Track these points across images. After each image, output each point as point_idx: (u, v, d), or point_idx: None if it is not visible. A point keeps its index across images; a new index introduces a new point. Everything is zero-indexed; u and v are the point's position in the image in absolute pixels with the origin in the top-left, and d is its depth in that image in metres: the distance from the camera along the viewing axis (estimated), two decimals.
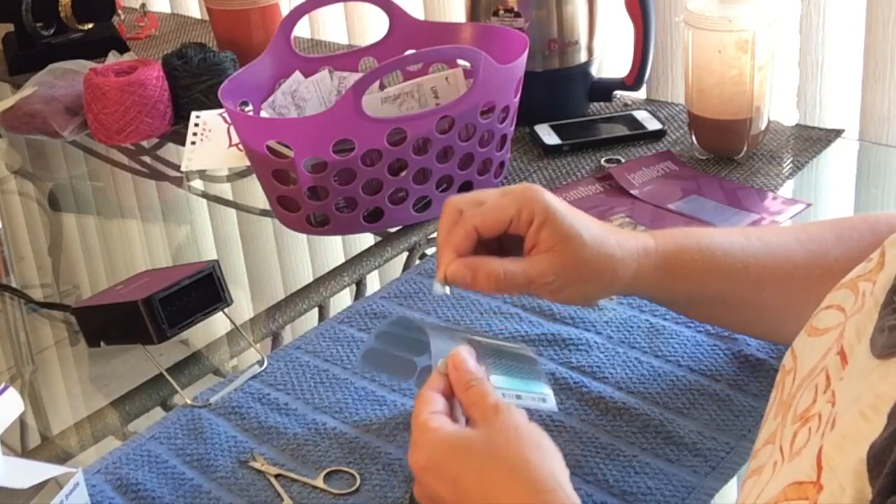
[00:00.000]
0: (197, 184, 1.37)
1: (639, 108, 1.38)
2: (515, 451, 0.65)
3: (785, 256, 0.80)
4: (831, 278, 0.79)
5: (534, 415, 0.83)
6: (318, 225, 1.14)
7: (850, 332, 0.53)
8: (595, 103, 1.41)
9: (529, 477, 0.64)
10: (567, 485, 0.64)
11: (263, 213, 1.26)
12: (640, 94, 1.41)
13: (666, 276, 0.80)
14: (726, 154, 1.23)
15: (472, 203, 0.78)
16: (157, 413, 0.92)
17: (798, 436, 0.51)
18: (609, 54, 1.43)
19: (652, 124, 1.32)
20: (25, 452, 0.90)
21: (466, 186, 1.16)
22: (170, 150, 1.45)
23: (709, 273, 0.80)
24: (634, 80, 1.35)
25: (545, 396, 0.76)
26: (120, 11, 1.83)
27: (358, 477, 0.80)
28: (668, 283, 0.80)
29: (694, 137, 1.25)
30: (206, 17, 1.77)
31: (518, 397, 0.74)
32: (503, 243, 0.79)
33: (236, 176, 1.37)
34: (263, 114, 1.21)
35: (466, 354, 0.72)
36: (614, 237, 0.79)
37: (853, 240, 0.80)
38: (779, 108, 1.30)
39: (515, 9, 1.31)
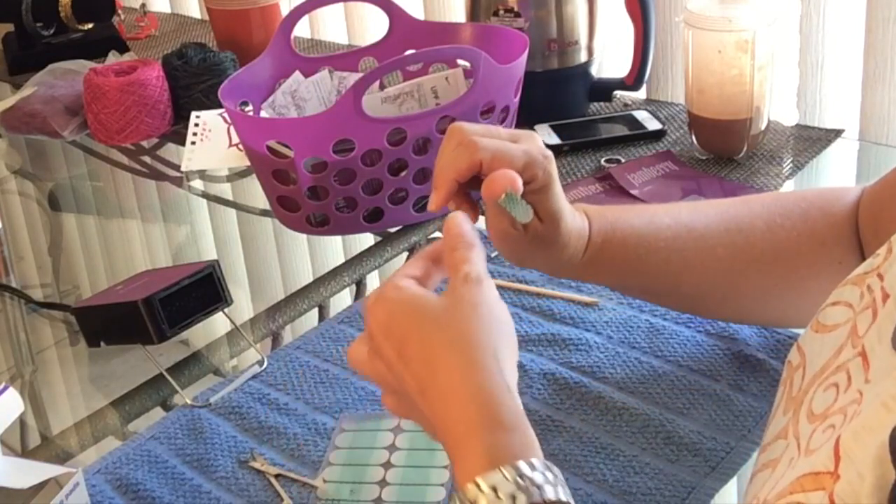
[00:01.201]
0: (197, 184, 1.37)
1: (639, 108, 1.38)
2: (464, 325, 0.62)
3: (709, 250, 0.82)
4: (756, 269, 0.82)
5: (532, 414, 0.83)
6: (318, 225, 1.14)
7: (872, 334, 0.53)
8: (595, 103, 1.41)
9: (468, 352, 0.61)
10: (508, 371, 0.61)
11: (263, 213, 1.26)
12: (640, 94, 1.41)
13: (588, 270, 0.82)
14: (726, 154, 1.23)
15: (485, 138, 0.74)
16: (157, 413, 0.92)
17: (816, 433, 0.51)
18: (609, 54, 1.43)
19: (652, 124, 1.32)
20: (25, 452, 0.90)
21: None
22: (170, 150, 1.45)
23: (628, 270, 0.83)
24: (634, 80, 1.35)
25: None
26: (120, 11, 1.83)
27: None
28: (589, 275, 0.84)
29: (694, 137, 1.25)
30: (206, 17, 1.77)
31: None
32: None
33: (236, 176, 1.37)
34: (263, 114, 1.21)
35: (463, 219, 0.69)
36: (574, 230, 0.80)
37: (784, 228, 0.82)
38: (779, 108, 1.30)
39: (515, 9, 1.31)
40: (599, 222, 0.82)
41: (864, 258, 0.78)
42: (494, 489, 0.55)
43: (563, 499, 0.56)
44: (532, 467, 0.56)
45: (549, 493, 0.55)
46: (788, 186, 1.18)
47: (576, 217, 0.80)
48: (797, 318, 0.84)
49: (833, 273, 0.78)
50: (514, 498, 0.55)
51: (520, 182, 0.71)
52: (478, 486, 0.55)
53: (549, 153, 0.76)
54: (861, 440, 0.45)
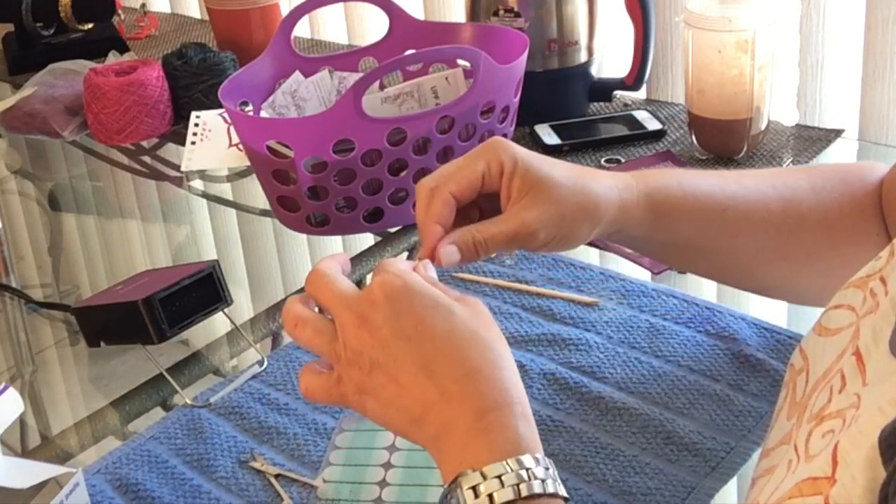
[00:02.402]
0: (197, 184, 1.37)
1: (639, 108, 1.38)
2: (487, 327, 0.64)
3: (762, 202, 0.80)
4: (803, 228, 0.80)
5: (532, 414, 0.83)
6: (318, 225, 1.14)
7: (866, 333, 0.53)
8: (595, 103, 1.41)
9: (496, 348, 0.63)
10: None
11: (263, 213, 1.26)
12: (640, 94, 1.41)
13: (648, 214, 0.78)
14: (726, 154, 1.23)
15: (441, 176, 0.76)
16: (157, 413, 0.92)
17: (813, 435, 0.51)
18: (609, 54, 1.43)
19: (652, 124, 1.32)
20: (25, 452, 0.90)
21: None
22: (170, 150, 1.45)
23: (689, 213, 0.79)
24: (634, 80, 1.35)
25: None
26: (120, 11, 1.83)
27: None
28: (650, 220, 0.78)
29: (694, 137, 1.25)
30: (206, 17, 1.77)
31: None
32: (483, 208, 0.78)
33: (236, 176, 1.37)
34: (263, 114, 1.21)
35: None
36: (591, 175, 0.78)
37: (825, 190, 0.81)
38: (779, 108, 1.30)
39: (515, 9, 1.31)
40: (640, 173, 0.79)
41: (889, 238, 0.78)
42: (528, 470, 0.58)
43: (562, 493, 0.59)
44: (540, 461, 0.59)
45: (550, 487, 0.58)
46: None
47: (596, 172, 0.78)
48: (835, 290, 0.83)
49: (872, 245, 0.76)
50: (532, 485, 0.58)
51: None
52: (508, 465, 0.58)
53: (500, 142, 0.76)
54: (857, 444, 0.45)
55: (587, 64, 1.36)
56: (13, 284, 1.19)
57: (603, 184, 0.77)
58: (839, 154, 1.25)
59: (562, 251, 0.82)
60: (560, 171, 0.76)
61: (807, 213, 0.80)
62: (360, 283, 1.09)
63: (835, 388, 0.53)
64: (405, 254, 1.13)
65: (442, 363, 0.62)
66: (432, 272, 0.70)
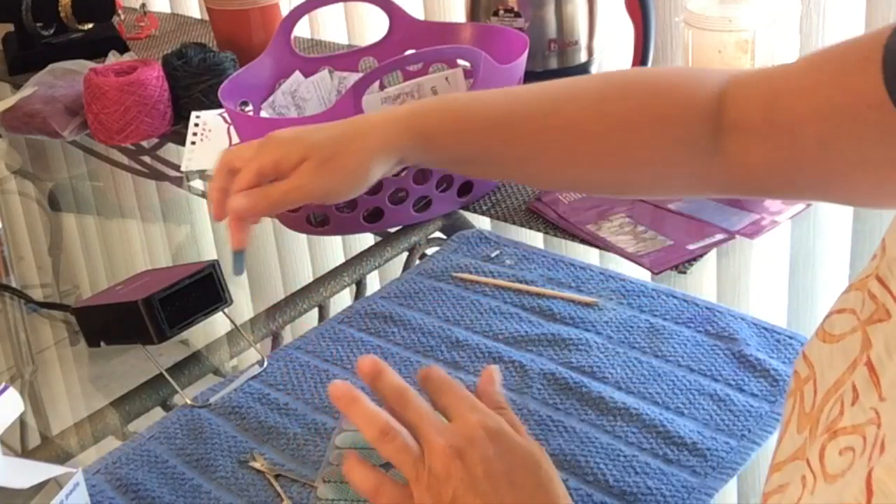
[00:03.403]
0: (197, 184, 1.37)
1: None
2: (552, 468, 0.68)
3: (541, 112, 0.82)
4: (575, 134, 0.81)
5: (532, 414, 0.83)
6: (318, 225, 1.14)
7: (879, 343, 0.52)
8: None
9: (560, 485, 0.67)
10: None
11: None
12: None
13: (420, 140, 0.83)
14: None
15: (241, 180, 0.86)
16: (157, 413, 0.92)
17: (827, 450, 0.50)
18: (609, 54, 1.43)
19: None
20: (25, 452, 0.91)
21: (466, 186, 1.16)
22: (170, 150, 1.45)
23: (464, 133, 0.83)
24: None
25: None
26: (120, 11, 1.83)
27: None
28: (422, 145, 0.83)
29: None
30: (206, 17, 1.77)
31: None
32: None
33: None
34: (263, 114, 1.21)
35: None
36: (355, 128, 0.84)
37: (614, 99, 0.81)
38: None
39: (515, 9, 1.31)
40: (418, 103, 0.86)
41: (718, 139, 0.76)
42: None
43: None
44: None
45: None
46: None
47: (359, 117, 0.86)
48: (632, 187, 0.85)
49: (670, 151, 0.77)
50: None
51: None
52: None
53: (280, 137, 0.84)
54: (895, 475, 0.44)
55: (587, 64, 1.36)
56: (13, 284, 1.19)
57: (360, 127, 0.84)
58: None
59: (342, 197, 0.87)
60: (322, 135, 0.84)
61: (587, 118, 0.81)
62: (359, 283, 1.09)
63: (846, 400, 0.52)
64: (405, 254, 1.13)
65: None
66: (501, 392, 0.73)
